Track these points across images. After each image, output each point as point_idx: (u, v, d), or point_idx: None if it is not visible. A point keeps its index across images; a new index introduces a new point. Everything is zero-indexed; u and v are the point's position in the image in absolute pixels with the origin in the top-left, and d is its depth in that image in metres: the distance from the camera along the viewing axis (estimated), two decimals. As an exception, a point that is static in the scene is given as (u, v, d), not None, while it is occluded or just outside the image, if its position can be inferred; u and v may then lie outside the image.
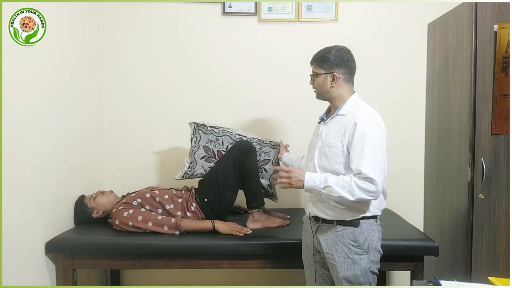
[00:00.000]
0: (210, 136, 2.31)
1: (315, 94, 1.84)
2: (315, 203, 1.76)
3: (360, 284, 1.67)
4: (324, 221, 1.74)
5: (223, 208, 2.28)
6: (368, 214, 1.70)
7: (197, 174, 2.36)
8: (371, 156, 1.61)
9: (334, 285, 1.76)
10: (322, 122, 1.83)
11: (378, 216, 1.75)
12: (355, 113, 1.69)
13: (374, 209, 1.71)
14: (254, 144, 2.31)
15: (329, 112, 1.87)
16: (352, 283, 1.67)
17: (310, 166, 1.80)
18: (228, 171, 2.24)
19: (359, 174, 1.59)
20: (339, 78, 1.75)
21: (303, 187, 1.65)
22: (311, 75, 1.82)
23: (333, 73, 1.75)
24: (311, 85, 1.83)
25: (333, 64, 1.75)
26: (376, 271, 1.72)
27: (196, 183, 2.40)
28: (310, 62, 1.83)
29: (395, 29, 2.72)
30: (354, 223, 1.69)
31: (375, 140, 1.63)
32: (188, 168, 2.34)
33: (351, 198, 1.59)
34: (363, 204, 1.68)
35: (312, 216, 1.80)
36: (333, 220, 1.71)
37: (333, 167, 1.70)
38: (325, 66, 1.76)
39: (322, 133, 1.79)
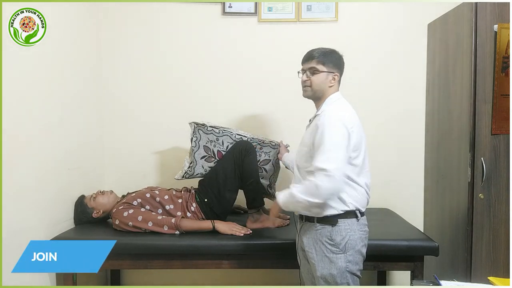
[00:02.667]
0: (210, 136, 2.31)
1: (306, 91, 1.79)
2: None
3: (337, 284, 1.66)
4: (307, 219, 1.75)
5: (223, 208, 2.28)
6: (346, 208, 1.66)
7: (197, 174, 2.36)
8: (327, 152, 1.59)
9: None
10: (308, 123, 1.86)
11: (359, 214, 1.70)
12: (323, 112, 1.71)
13: (354, 202, 1.67)
14: (254, 144, 2.31)
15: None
16: (329, 283, 1.67)
17: (298, 166, 1.83)
18: (228, 171, 2.24)
19: (313, 167, 1.60)
20: (336, 80, 1.77)
21: (281, 208, 1.74)
22: (308, 70, 1.76)
23: (334, 73, 1.76)
24: (305, 81, 1.78)
25: (335, 64, 1.77)
26: (356, 272, 1.70)
27: (196, 183, 2.40)
28: (308, 57, 1.78)
29: (395, 29, 2.72)
30: (332, 221, 1.67)
31: (332, 139, 1.61)
32: (188, 168, 2.34)
33: (312, 200, 1.59)
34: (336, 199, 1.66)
35: (298, 215, 1.82)
36: (313, 217, 1.71)
37: (304, 165, 1.73)
38: (329, 64, 1.75)
39: (304, 134, 1.83)
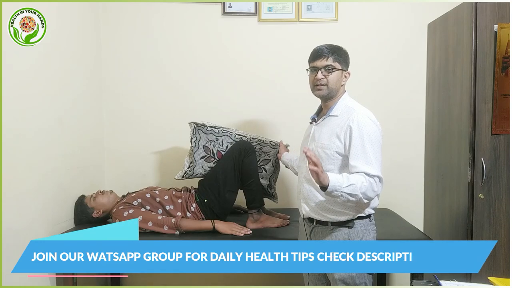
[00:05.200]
0: (210, 136, 2.31)
1: (321, 90, 1.71)
2: (309, 204, 1.76)
3: (356, 284, 1.67)
4: (319, 222, 1.73)
5: (223, 208, 2.28)
6: (362, 214, 1.69)
7: (196, 174, 2.36)
8: (374, 156, 1.60)
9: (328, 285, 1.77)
10: (313, 123, 1.82)
11: (372, 215, 1.74)
12: (349, 114, 1.68)
13: (369, 208, 1.71)
14: (254, 144, 2.31)
15: (320, 112, 1.85)
16: (347, 284, 1.67)
17: (302, 167, 1.79)
18: (227, 172, 2.24)
19: (371, 174, 1.58)
20: (347, 78, 1.76)
21: (327, 186, 1.52)
22: (324, 68, 1.69)
23: (346, 71, 1.75)
24: (321, 79, 1.70)
25: (347, 63, 1.76)
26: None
27: (197, 183, 2.40)
28: (321, 54, 1.70)
29: (395, 29, 2.72)
30: (349, 224, 1.69)
31: (373, 139, 1.63)
32: (188, 168, 2.34)
33: (364, 200, 1.58)
34: (358, 205, 1.67)
35: (306, 218, 1.79)
36: (327, 222, 1.71)
37: (327, 168, 1.67)
38: (343, 62, 1.73)
39: (314, 134, 1.78)
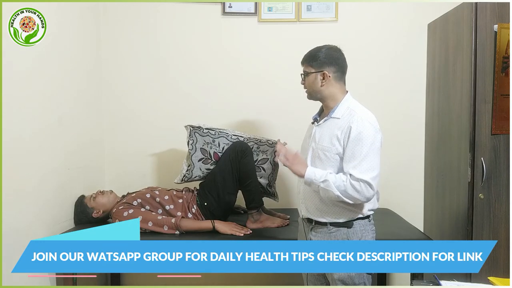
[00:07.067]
0: (206, 138, 2.30)
1: (306, 94, 1.82)
2: (308, 205, 1.76)
3: (355, 284, 1.67)
4: (318, 222, 1.74)
5: (223, 211, 2.28)
6: (361, 215, 1.70)
7: (195, 177, 2.35)
8: (366, 161, 1.61)
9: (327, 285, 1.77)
10: (315, 123, 1.82)
11: (371, 216, 1.75)
12: (350, 116, 1.68)
13: (367, 210, 1.71)
14: (251, 144, 2.30)
15: (322, 112, 1.85)
16: (346, 284, 1.67)
17: None
18: (225, 174, 2.24)
19: (355, 176, 1.60)
20: (329, 76, 1.73)
21: (303, 177, 1.67)
22: (301, 75, 1.81)
23: (323, 71, 1.74)
24: (302, 86, 1.82)
25: (323, 62, 1.74)
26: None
27: (197, 185, 2.40)
28: (301, 62, 1.81)
29: (395, 29, 2.72)
30: (347, 224, 1.70)
31: (369, 143, 1.62)
32: (187, 171, 2.33)
33: (344, 199, 1.62)
34: (356, 206, 1.68)
35: (305, 218, 1.80)
36: (326, 222, 1.72)
37: (327, 170, 1.69)
38: (315, 64, 1.75)
39: (315, 135, 1.78)
